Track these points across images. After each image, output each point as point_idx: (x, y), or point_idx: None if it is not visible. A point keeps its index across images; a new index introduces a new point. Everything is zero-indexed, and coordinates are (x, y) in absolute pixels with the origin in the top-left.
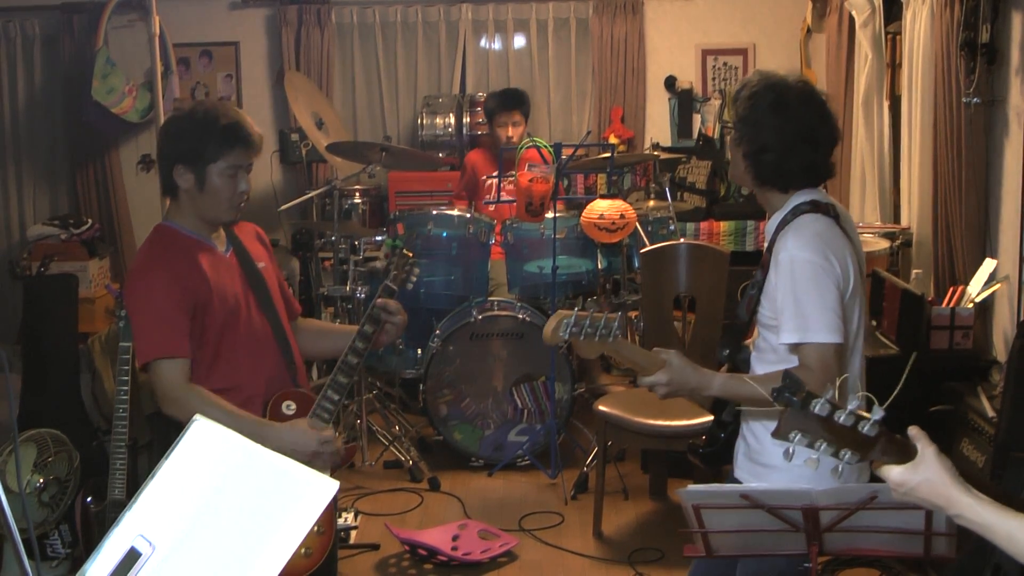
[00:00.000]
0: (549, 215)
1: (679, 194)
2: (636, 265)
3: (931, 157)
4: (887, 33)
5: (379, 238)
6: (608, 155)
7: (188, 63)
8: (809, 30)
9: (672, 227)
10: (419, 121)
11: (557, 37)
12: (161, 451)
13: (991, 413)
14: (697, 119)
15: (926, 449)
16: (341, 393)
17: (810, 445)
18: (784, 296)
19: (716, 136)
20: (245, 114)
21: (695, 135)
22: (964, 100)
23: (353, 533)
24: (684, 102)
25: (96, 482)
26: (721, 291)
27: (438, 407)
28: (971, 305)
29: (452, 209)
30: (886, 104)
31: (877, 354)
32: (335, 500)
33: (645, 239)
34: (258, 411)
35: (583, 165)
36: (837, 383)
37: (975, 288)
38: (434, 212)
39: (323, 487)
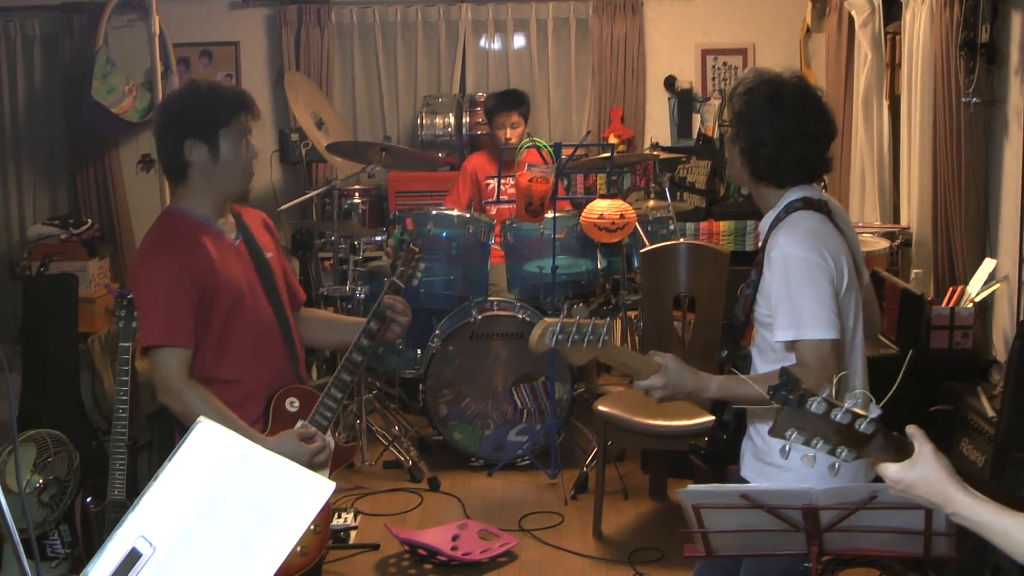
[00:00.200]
0: (549, 215)
1: (679, 194)
2: (636, 265)
3: (931, 157)
4: (887, 33)
5: (379, 238)
6: (608, 155)
7: (188, 63)
8: (809, 30)
9: (672, 227)
10: (419, 121)
11: (557, 37)
12: (161, 451)
13: (991, 413)
14: (697, 119)
15: (924, 447)
16: (344, 391)
17: (807, 443)
18: (778, 293)
19: (716, 136)
20: None
21: (695, 135)
22: (964, 100)
23: (353, 533)
24: (684, 102)
25: (96, 482)
26: (721, 291)
27: (438, 407)
28: (971, 305)
29: (452, 209)
30: (886, 104)
31: (877, 354)
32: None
33: (645, 239)
34: (260, 406)
35: (583, 165)
36: (835, 380)
37: (975, 288)
38: (434, 212)
39: (320, 488)
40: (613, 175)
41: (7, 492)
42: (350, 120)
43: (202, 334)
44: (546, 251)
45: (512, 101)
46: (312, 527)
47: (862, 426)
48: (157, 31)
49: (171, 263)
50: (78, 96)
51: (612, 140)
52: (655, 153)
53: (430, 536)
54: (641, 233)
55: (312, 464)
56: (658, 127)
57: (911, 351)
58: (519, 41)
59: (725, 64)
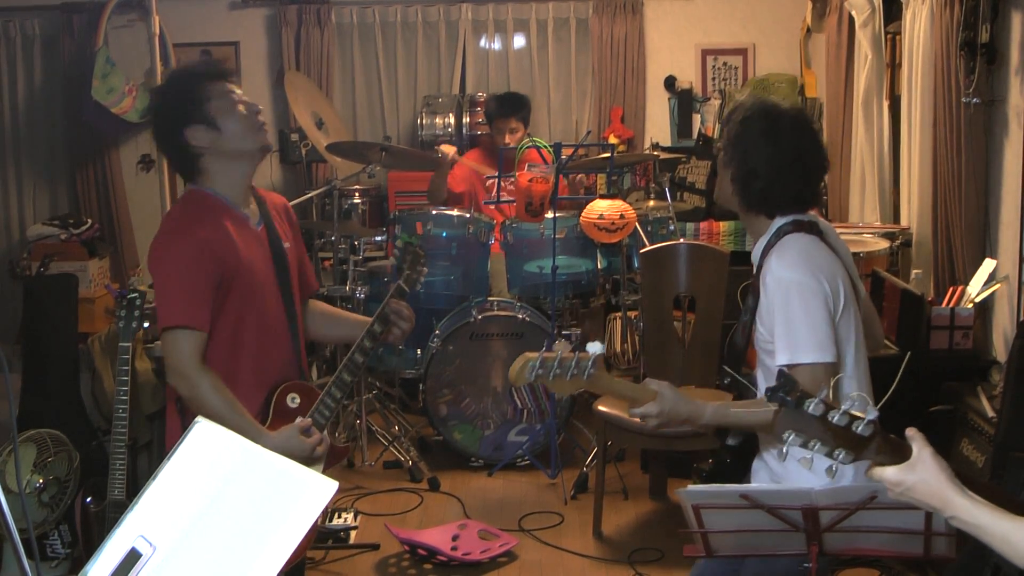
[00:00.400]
0: (549, 215)
1: (679, 194)
2: (636, 265)
3: (931, 157)
4: (887, 33)
5: (379, 238)
6: (608, 155)
7: None
8: (809, 30)
9: (672, 227)
10: (419, 121)
11: (557, 37)
12: (161, 451)
13: (991, 413)
14: (697, 119)
15: (923, 450)
16: (344, 391)
17: (804, 445)
18: (775, 318)
19: (716, 136)
20: None
21: (695, 135)
22: (964, 100)
23: (353, 533)
24: (684, 102)
25: (96, 482)
26: (721, 291)
27: (438, 407)
28: (971, 305)
29: (452, 209)
30: (886, 104)
31: (876, 355)
32: None
33: (645, 239)
34: (260, 399)
35: (583, 165)
36: (831, 383)
37: (975, 288)
38: (434, 212)
39: (322, 487)
40: (613, 175)
41: (7, 492)
42: (350, 120)
43: (216, 319)
44: (546, 251)
45: (511, 107)
46: None
47: (859, 428)
48: (157, 31)
49: (194, 244)
50: (78, 96)
51: (612, 140)
52: (655, 153)
53: (430, 536)
54: (641, 233)
55: (312, 458)
56: (658, 127)
57: (910, 353)
58: (519, 41)
59: (725, 64)
